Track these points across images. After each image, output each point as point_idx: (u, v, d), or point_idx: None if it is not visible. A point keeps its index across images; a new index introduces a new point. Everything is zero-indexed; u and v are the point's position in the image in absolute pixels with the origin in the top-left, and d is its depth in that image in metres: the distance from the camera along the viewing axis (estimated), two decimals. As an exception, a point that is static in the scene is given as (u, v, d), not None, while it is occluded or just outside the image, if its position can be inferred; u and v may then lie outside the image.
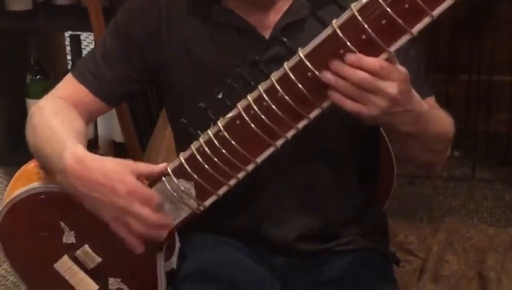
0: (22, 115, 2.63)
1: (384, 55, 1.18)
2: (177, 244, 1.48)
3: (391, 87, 1.19)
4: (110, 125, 2.78)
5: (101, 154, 1.39)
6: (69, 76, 1.54)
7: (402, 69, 1.22)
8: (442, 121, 1.41)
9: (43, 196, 1.43)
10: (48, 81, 2.72)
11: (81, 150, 1.35)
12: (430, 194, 2.83)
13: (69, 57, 3.07)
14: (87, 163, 1.33)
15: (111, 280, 1.46)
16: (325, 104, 1.24)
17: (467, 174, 2.94)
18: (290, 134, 1.27)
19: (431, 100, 1.46)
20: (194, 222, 1.42)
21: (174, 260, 1.49)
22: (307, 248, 1.50)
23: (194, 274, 1.47)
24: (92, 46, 3.57)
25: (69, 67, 2.99)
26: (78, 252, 1.45)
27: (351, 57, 1.18)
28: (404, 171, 2.91)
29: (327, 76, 1.20)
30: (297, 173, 1.47)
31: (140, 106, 2.58)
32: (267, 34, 1.41)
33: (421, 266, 2.34)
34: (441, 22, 2.66)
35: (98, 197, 1.32)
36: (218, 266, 1.48)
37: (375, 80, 1.18)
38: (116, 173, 1.32)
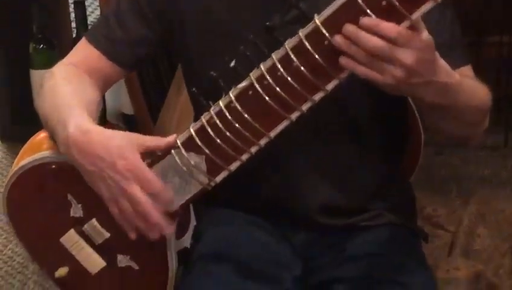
0: (25, 86, 2.66)
1: (406, 23, 1.16)
2: (193, 223, 1.50)
3: (407, 57, 1.17)
4: (118, 97, 2.77)
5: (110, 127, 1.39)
6: (83, 41, 1.55)
7: (426, 37, 1.19)
8: (476, 92, 1.39)
9: (52, 166, 1.44)
10: (52, 51, 2.71)
11: (86, 121, 1.35)
12: (460, 164, 2.83)
13: (73, 25, 3.06)
14: (90, 135, 1.33)
15: (119, 256, 1.47)
16: (343, 75, 1.22)
17: (499, 142, 2.93)
18: (305, 107, 1.25)
19: (466, 69, 1.45)
20: (208, 197, 1.42)
21: (187, 238, 1.50)
22: (330, 222, 1.50)
23: (209, 253, 1.48)
24: (97, 12, 3.56)
25: (74, 35, 2.99)
26: (86, 226, 1.45)
27: (366, 21, 1.16)
28: (432, 140, 2.88)
29: (338, 40, 1.18)
30: (318, 143, 1.46)
31: (150, 76, 2.57)
32: None
33: (451, 241, 2.35)
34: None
35: (96, 172, 1.32)
36: (235, 244, 1.49)
37: (390, 48, 1.17)
38: (119, 148, 1.31)
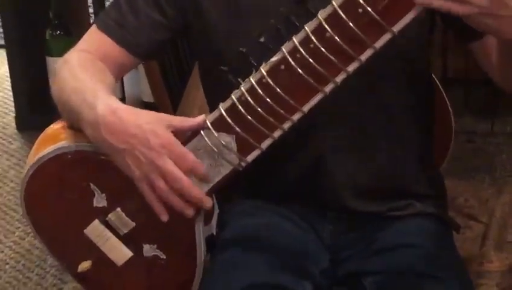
0: (42, 74, 2.68)
1: None
2: (216, 211, 1.49)
3: None
4: (138, 84, 2.79)
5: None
6: (93, 28, 1.54)
7: None
8: None
9: (72, 156, 1.45)
10: (70, 37, 2.72)
11: (114, 102, 1.37)
12: (492, 152, 2.80)
13: (91, 10, 3.08)
14: (120, 114, 1.35)
15: (146, 246, 1.47)
16: (378, 44, 1.23)
17: (534, 130, 2.91)
18: (339, 78, 1.27)
19: None
20: (232, 187, 1.43)
21: (213, 224, 1.50)
22: (359, 208, 1.50)
23: (235, 243, 1.49)
24: (115, -3, 3.56)
25: (92, 21, 3.01)
26: (110, 216, 1.45)
27: None
28: (463, 127, 2.87)
29: None
30: (346, 121, 1.47)
31: (171, 61, 2.57)
32: None
33: (483, 232, 2.33)
34: None
35: (128, 150, 1.33)
36: (261, 234, 1.50)
37: None
38: (149, 124, 1.33)
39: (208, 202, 1.38)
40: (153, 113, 1.37)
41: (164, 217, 1.38)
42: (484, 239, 2.30)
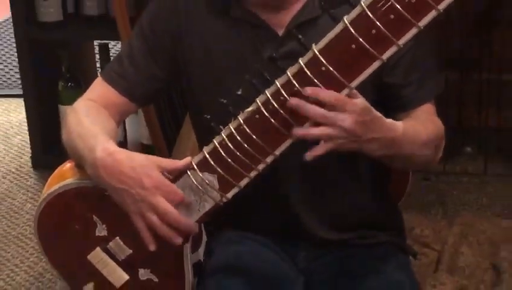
0: (55, 120, 2.69)
1: (393, 48, 1.19)
2: (204, 239, 1.50)
3: (345, 120, 1.22)
4: (138, 128, 2.79)
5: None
6: (98, 79, 1.57)
7: (360, 101, 1.24)
8: (420, 136, 1.39)
9: (77, 191, 1.46)
10: (79, 88, 2.73)
11: (111, 145, 1.38)
12: (445, 189, 2.80)
13: (98, 65, 3.09)
14: (116, 156, 1.36)
15: (141, 270, 1.47)
16: None
17: (480, 169, 2.90)
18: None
19: (425, 107, 1.46)
20: (220, 220, 1.45)
21: (201, 252, 1.50)
22: (329, 237, 1.51)
23: (221, 269, 1.49)
24: (120, 54, 3.59)
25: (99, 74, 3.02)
26: (110, 244, 1.46)
27: (307, 90, 1.22)
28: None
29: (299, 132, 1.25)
30: (307, 169, 1.43)
31: (166, 108, 2.58)
32: (280, 32, 1.43)
33: (437, 258, 2.33)
34: (452, 22, 2.61)
35: (124, 189, 1.35)
36: (244, 261, 1.50)
37: (328, 113, 1.22)
38: (142, 167, 1.35)
39: (195, 228, 1.40)
40: (145, 156, 1.38)
41: (152, 247, 1.39)
42: (437, 264, 2.31)
